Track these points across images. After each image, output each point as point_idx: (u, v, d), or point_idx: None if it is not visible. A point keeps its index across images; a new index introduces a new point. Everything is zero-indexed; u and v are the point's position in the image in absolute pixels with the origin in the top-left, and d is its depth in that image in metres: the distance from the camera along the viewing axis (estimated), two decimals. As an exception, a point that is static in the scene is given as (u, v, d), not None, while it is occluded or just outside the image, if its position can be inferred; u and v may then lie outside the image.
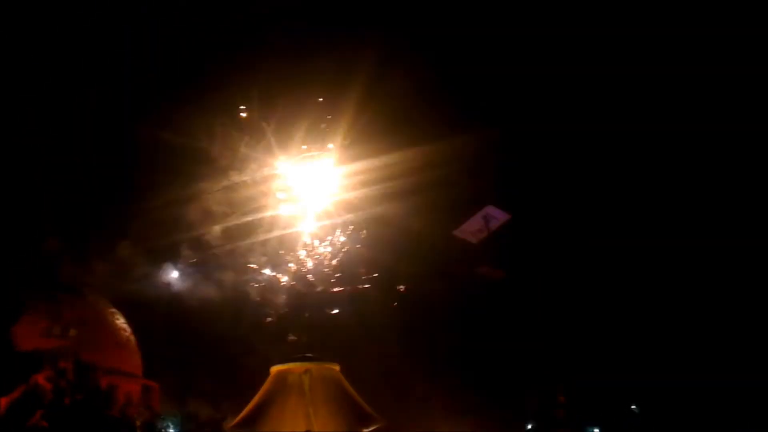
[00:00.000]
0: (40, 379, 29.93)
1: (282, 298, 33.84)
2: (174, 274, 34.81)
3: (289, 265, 34.01)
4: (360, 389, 32.51)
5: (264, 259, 34.56)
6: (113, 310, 37.32)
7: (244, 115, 33.94)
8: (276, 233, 34.21)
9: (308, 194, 34.56)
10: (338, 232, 34.45)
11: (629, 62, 35.90)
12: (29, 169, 36.19)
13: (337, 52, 34.41)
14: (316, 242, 34.54)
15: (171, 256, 35.99)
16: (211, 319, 34.82)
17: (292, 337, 32.74)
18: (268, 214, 34.28)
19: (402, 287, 35.39)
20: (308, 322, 33.11)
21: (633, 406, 37.78)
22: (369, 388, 33.00)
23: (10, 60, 34.90)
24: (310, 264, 33.96)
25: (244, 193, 34.38)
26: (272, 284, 34.04)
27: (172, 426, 32.25)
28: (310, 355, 32.06)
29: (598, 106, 36.97)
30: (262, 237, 34.30)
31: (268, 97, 34.13)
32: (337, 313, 34.12)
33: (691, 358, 35.26)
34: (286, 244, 34.30)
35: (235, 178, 33.92)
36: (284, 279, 33.98)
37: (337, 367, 32.16)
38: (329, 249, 34.59)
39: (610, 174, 37.47)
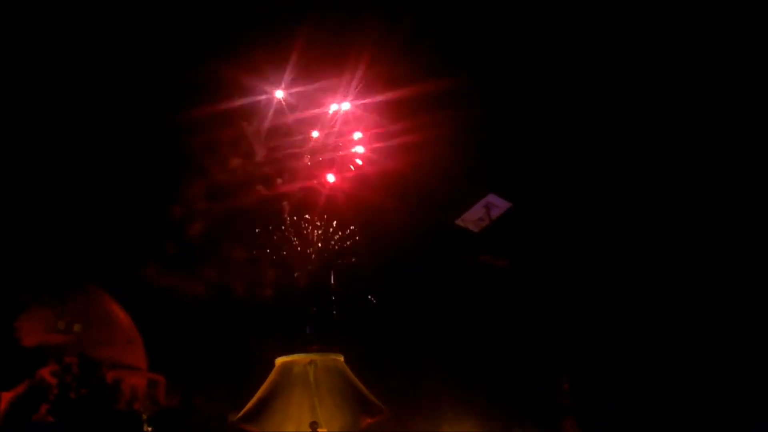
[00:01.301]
0: (45, 373, 30.15)
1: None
2: None
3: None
4: (364, 381, 32.50)
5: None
6: (117, 304, 37.57)
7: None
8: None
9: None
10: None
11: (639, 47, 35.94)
12: (31, 166, 36.33)
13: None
14: None
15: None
16: (215, 312, 34.93)
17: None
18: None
19: None
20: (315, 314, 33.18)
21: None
22: (373, 381, 32.99)
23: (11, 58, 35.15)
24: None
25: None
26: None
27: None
28: (315, 346, 32.15)
29: (606, 96, 36.96)
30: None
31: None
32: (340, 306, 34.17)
33: (695, 346, 35.27)
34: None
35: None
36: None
37: (341, 358, 32.15)
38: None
39: (613, 162, 37.37)
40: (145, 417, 31.58)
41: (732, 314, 35.08)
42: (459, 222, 31.69)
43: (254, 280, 34.55)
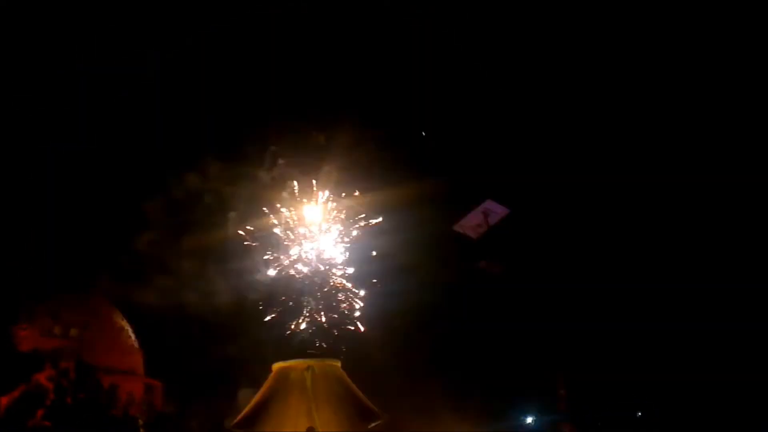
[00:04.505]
0: (42, 378, 30.07)
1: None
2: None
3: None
4: (361, 386, 32.45)
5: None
6: (115, 309, 37.50)
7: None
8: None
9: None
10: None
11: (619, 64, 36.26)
12: (29, 171, 36.34)
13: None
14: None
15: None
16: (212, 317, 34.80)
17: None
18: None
19: None
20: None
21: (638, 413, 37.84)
22: (369, 385, 32.94)
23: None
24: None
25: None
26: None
27: None
28: (312, 351, 32.09)
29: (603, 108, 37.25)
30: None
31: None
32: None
33: (694, 350, 35.38)
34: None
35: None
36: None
37: (338, 364, 32.11)
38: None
39: (609, 166, 37.49)
40: (141, 422, 31.52)
41: (731, 317, 35.24)
42: (457, 228, 31.80)
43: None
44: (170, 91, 38.13)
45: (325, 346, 32.09)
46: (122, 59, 37.07)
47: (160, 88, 38.20)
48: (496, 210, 31.40)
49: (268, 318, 32.67)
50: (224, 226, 33.18)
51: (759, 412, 34.12)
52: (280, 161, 32.98)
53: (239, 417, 31.36)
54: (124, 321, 37.66)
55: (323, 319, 32.72)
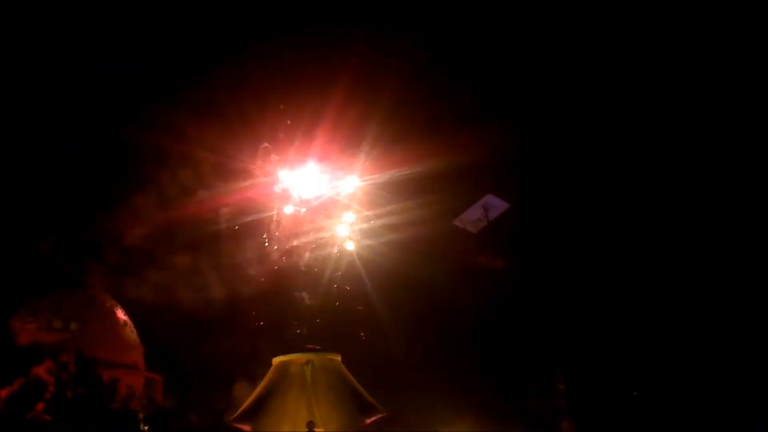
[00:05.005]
0: (41, 371, 30.13)
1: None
2: None
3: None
4: (361, 381, 32.45)
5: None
6: (115, 303, 37.62)
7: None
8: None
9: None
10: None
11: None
12: (27, 167, 36.46)
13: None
14: None
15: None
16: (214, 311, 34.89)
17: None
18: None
19: None
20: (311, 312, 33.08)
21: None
22: (369, 381, 32.94)
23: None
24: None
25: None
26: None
27: None
28: (312, 346, 32.08)
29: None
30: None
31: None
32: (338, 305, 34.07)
33: (692, 346, 35.34)
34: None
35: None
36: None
37: (338, 358, 32.12)
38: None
39: (610, 163, 37.56)
40: (141, 416, 31.54)
41: (729, 314, 35.21)
42: (457, 222, 31.78)
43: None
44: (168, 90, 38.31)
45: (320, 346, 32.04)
46: (122, 59, 37.27)
47: (160, 87, 38.38)
48: (496, 204, 31.40)
49: (262, 322, 32.81)
50: (217, 222, 33.27)
51: (759, 412, 34.02)
52: (274, 157, 33.03)
53: (239, 411, 31.37)
54: (126, 316, 37.80)
55: (318, 320, 32.84)
